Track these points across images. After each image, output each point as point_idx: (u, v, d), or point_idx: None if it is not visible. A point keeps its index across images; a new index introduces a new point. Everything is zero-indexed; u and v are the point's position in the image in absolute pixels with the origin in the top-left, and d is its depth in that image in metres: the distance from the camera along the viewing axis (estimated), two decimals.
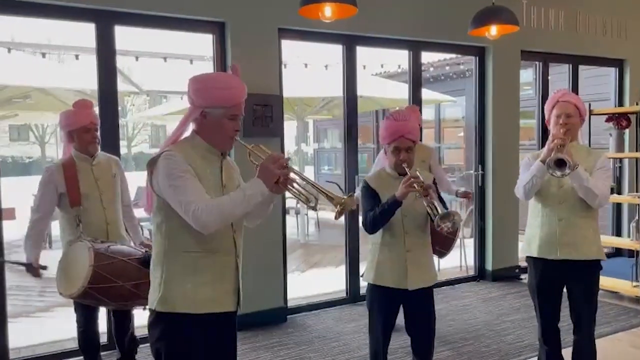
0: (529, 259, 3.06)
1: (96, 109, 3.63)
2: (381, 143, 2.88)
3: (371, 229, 2.74)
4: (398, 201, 2.57)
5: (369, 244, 2.87)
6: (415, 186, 2.52)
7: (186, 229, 1.96)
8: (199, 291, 2.01)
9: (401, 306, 2.83)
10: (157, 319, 2.03)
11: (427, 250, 2.81)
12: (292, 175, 2.03)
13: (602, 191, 2.77)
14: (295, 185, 2.05)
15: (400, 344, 3.81)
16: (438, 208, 2.49)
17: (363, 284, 5.32)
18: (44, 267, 3.11)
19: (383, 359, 2.90)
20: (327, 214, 2.24)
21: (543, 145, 6.24)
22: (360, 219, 2.94)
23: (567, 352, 3.06)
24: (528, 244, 3.03)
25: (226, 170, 2.13)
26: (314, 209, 2.10)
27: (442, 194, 3.02)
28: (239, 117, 2.08)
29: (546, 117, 3.02)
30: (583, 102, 2.97)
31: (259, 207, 2.08)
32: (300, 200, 2.09)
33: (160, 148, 2.06)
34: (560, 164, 2.66)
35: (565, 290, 2.99)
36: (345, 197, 2.09)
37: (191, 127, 2.10)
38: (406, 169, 2.64)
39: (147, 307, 2.08)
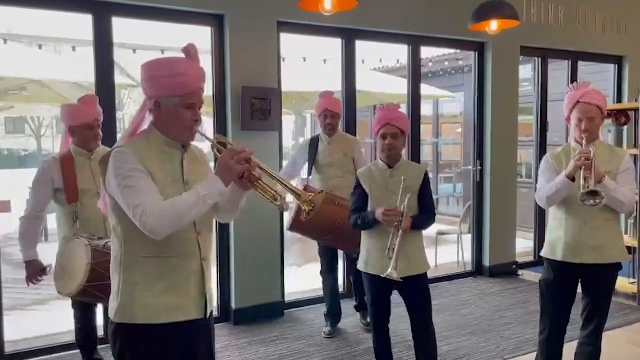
0: (549, 260, 2.95)
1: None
2: (373, 136, 3.00)
3: (352, 229, 2.95)
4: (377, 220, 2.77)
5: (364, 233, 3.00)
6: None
7: (142, 232, 1.75)
8: (161, 300, 1.81)
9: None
10: (116, 330, 1.85)
11: (414, 241, 2.88)
12: (258, 170, 1.86)
13: (628, 197, 2.72)
14: (262, 181, 1.88)
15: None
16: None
17: None
18: (44, 271, 3.05)
19: (378, 344, 3.01)
20: None
21: (541, 142, 6.30)
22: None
23: (569, 347, 3.02)
24: (552, 248, 2.91)
25: (189, 164, 1.92)
26: (282, 208, 1.92)
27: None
28: (197, 106, 1.88)
29: (565, 114, 2.88)
30: (604, 97, 2.84)
31: (227, 205, 1.95)
32: (267, 198, 1.89)
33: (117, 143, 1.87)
34: (592, 193, 2.59)
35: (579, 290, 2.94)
36: (314, 193, 1.89)
37: (149, 119, 1.90)
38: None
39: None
